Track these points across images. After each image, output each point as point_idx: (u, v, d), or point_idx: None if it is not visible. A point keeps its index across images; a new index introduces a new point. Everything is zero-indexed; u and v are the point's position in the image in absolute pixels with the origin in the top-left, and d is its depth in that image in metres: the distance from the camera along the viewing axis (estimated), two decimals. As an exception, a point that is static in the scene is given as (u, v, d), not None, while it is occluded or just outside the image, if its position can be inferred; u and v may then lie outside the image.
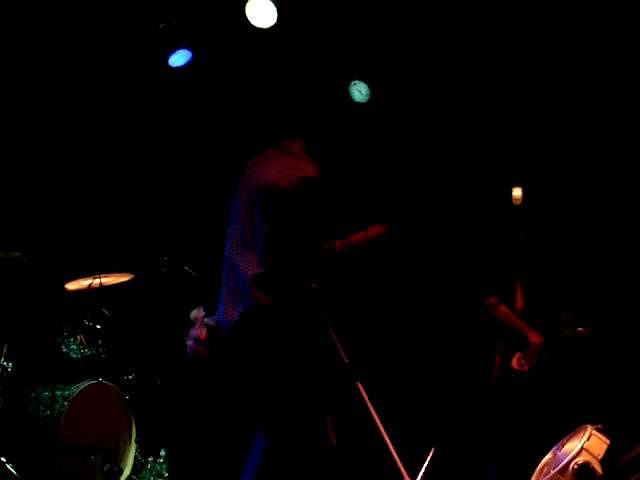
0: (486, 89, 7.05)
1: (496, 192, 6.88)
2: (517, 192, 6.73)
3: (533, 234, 6.57)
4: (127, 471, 5.68)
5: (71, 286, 6.20)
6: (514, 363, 6.32)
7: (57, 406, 5.43)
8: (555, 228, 6.87)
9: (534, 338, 6.28)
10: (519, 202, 6.79)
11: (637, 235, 6.76)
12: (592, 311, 6.58)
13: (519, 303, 6.42)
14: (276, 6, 6.66)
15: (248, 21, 6.74)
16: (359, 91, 7.37)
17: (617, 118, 6.78)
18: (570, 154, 6.94)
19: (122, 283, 6.29)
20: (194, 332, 4.59)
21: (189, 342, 4.61)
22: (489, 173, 7.07)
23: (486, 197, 7.01)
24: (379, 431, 4.43)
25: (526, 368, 6.29)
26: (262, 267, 4.37)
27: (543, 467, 5.30)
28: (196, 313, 4.64)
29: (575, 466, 4.96)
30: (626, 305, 6.65)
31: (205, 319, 4.61)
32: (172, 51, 6.93)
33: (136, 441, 5.78)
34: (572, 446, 5.13)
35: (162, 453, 6.04)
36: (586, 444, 5.04)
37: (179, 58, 7.03)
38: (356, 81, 7.30)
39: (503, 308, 6.33)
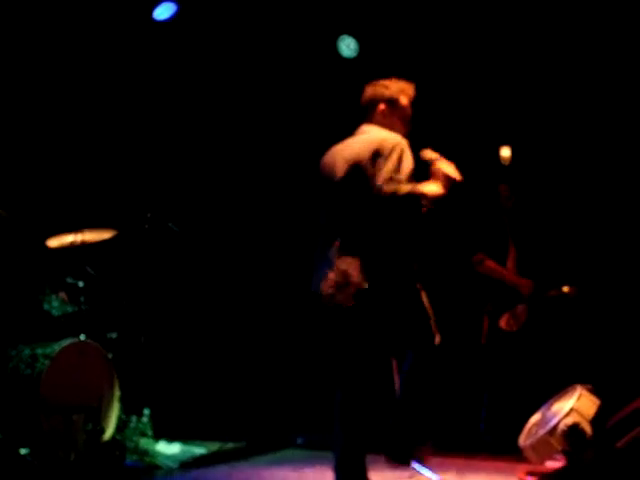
0: (475, 47, 6.96)
1: (484, 151, 6.81)
2: (505, 152, 6.64)
3: (522, 194, 6.51)
4: (110, 430, 5.59)
5: (53, 242, 6.08)
6: (502, 323, 6.30)
7: (38, 364, 5.34)
8: (544, 189, 6.83)
9: (524, 286, 6.24)
10: (507, 162, 6.71)
11: (624, 197, 6.71)
12: (578, 270, 6.57)
13: (510, 264, 6.37)
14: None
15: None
16: (347, 46, 7.26)
17: (604, 80, 6.72)
18: (558, 113, 6.88)
19: (105, 240, 6.15)
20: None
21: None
22: (477, 132, 6.99)
23: (474, 156, 6.92)
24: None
25: (514, 328, 6.27)
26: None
27: (532, 427, 5.28)
28: None
29: (564, 427, 4.95)
30: (612, 264, 6.61)
31: None
32: (157, 4, 6.83)
33: (119, 400, 5.68)
34: (561, 406, 5.12)
35: (146, 412, 5.98)
36: (575, 404, 5.04)
37: (164, 11, 6.94)
38: (344, 36, 7.19)
39: (490, 263, 6.29)
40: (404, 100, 4.63)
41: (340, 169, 4.44)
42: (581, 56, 6.75)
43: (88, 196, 6.83)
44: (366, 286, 4.29)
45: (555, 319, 6.32)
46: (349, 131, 4.64)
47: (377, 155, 4.33)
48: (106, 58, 6.96)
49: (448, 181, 4.43)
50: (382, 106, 4.60)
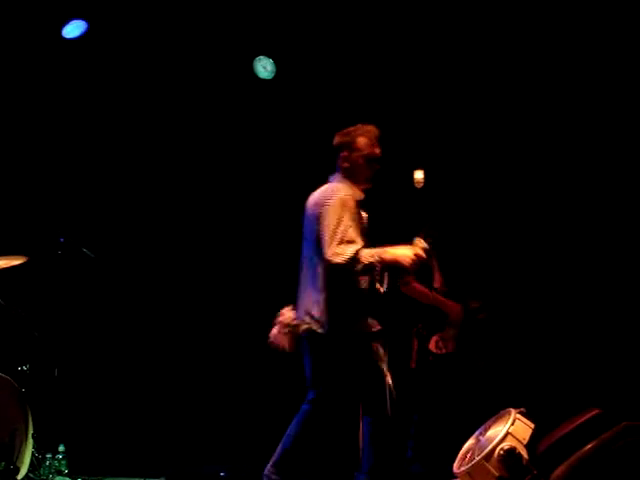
0: (390, 68, 6.96)
1: (398, 175, 6.80)
2: (419, 174, 6.64)
3: (439, 216, 6.48)
4: (24, 469, 5.30)
5: (-42, 270, 5.75)
6: (432, 345, 6.23)
7: (-54, 400, 5.03)
8: (460, 209, 6.83)
9: (453, 309, 6.18)
10: (421, 185, 6.72)
11: (538, 217, 6.77)
12: (505, 289, 6.57)
13: (437, 282, 6.30)
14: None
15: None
16: (264, 67, 7.17)
17: (508, 96, 6.81)
18: (471, 136, 6.92)
19: (14, 266, 5.85)
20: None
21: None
22: (391, 156, 6.97)
23: (389, 180, 6.90)
24: None
25: (444, 351, 6.20)
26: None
27: (466, 453, 5.16)
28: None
29: (501, 452, 4.85)
30: (541, 283, 6.64)
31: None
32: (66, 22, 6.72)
33: (33, 436, 5.40)
34: (496, 431, 5.01)
35: (61, 448, 5.77)
36: (511, 428, 4.94)
37: (74, 29, 6.72)
38: (261, 57, 7.10)
39: (417, 285, 6.21)
40: (362, 142, 4.92)
41: (309, 215, 4.86)
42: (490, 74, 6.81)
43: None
44: (319, 330, 4.73)
45: (485, 341, 6.27)
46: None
47: (320, 216, 4.73)
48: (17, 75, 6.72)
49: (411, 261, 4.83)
50: (344, 153, 4.93)
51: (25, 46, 6.74)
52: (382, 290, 5.00)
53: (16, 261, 5.86)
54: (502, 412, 5.17)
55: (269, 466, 4.80)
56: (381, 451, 4.89)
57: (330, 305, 4.75)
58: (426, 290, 6.22)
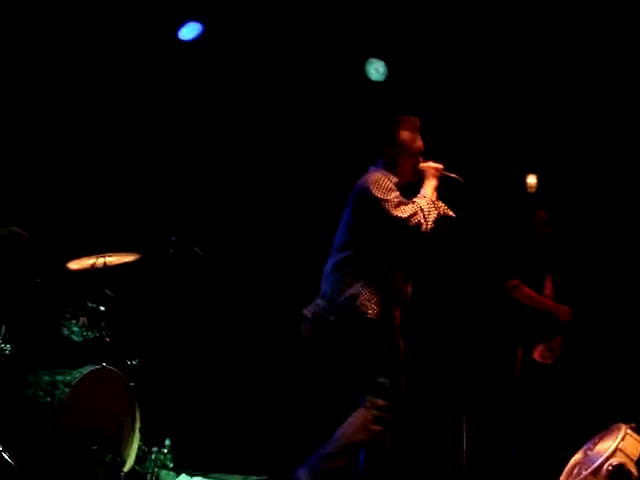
0: (503, 74, 6.84)
1: (511, 179, 6.70)
2: (532, 179, 6.55)
3: (556, 221, 6.34)
4: (130, 462, 5.41)
5: (74, 265, 5.92)
6: (536, 355, 6.08)
7: (57, 392, 5.15)
8: (579, 215, 6.68)
9: (562, 312, 6.02)
10: (534, 189, 6.62)
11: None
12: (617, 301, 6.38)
13: (547, 289, 6.16)
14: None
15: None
16: (376, 70, 7.15)
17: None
18: (584, 142, 6.75)
19: (127, 263, 6.00)
20: None
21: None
22: (503, 160, 6.87)
23: (501, 185, 6.81)
24: None
25: (549, 361, 6.05)
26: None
27: (573, 467, 5.06)
28: None
29: (610, 467, 4.74)
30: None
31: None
32: (182, 24, 6.78)
33: (140, 430, 5.49)
34: (605, 446, 4.90)
35: (167, 443, 5.79)
36: (621, 444, 4.82)
37: (189, 31, 6.81)
38: (372, 59, 7.08)
39: (526, 289, 6.07)
40: (405, 136, 4.81)
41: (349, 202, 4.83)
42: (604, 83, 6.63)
43: (111, 218, 6.68)
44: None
45: (594, 352, 6.11)
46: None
47: (359, 197, 4.71)
48: (135, 74, 6.84)
49: (437, 172, 4.78)
50: (385, 150, 4.86)
51: (138, 47, 6.85)
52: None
53: (129, 258, 6.00)
54: (612, 427, 5.05)
55: None
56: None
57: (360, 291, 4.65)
58: (535, 294, 6.08)
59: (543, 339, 6.08)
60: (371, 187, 4.65)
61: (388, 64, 7.10)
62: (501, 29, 6.72)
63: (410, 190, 4.85)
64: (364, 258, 4.68)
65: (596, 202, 6.77)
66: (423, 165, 4.81)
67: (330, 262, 4.80)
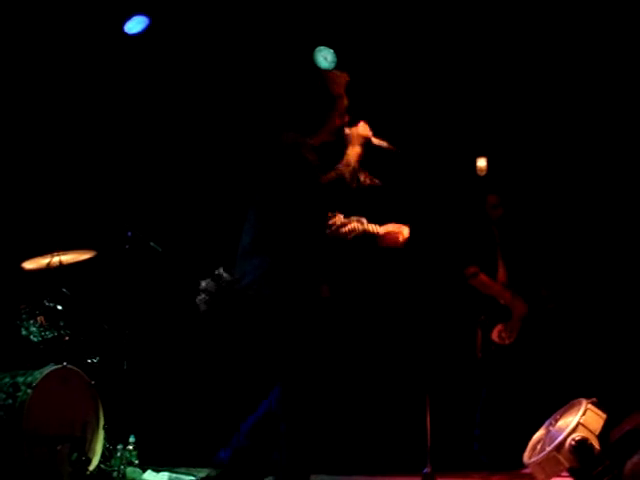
0: (453, 57, 6.88)
1: (460, 163, 6.74)
2: (482, 162, 6.58)
3: (507, 206, 6.39)
4: (95, 460, 5.38)
5: (29, 265, 5.86)
6: (494, 336, 6.16)
7: (19, 394, 5.10)
8: (526, 198, 6.74)
9: (518, 306, 6.11)
10: (484, 173, 6.65)
11: (608, 210, 6.64)
12: (571, 279, 6.46)
13: (501, 275, 6.23)
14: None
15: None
16: (325, 58, 7.14)
17: (575, 90, 6.68)
18: (538, 124, 6.81)
19: (83, 261, 5.94)
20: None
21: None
22: (452, 144, 6.91)
23: (451, 168, 6.85)
24: None
25: (507, 341, 6.12)
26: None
27: (536, 443, 5.12)
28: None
29: (572, 442, 4.79)
30: (609, 271, 6.51)
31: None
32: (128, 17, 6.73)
33: (104, 428, 5.47)
34: (567, 421, 4.96)
35: (131, 439, 5.77)
36: (582, 419, 4.89)
37: (135, 25, 6.77)
38: (321, 47, 7.08)
39: (484, 277, 6.16)
40: (335, 92, 4.44)
41: None
42: (553, 65, 6.70)
43: (65, 215, 6.62)
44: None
45: (551, 330, 6.19)
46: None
47: None
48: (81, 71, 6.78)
49: (364, 141, 4.40)
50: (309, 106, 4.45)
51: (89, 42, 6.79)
52: None
53: (85, 255, 5.95)
54: (573, 402, 5.12)
55: None
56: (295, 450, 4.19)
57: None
58: (492, 282, 6.15)
59: (501, 320, 6.15)
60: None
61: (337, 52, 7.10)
62: (450, 10, 6.75)
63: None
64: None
65: (547, 183, 6.83)
66: (349, 130, 4.44)
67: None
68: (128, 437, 5.75)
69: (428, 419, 5.11)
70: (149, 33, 6.87)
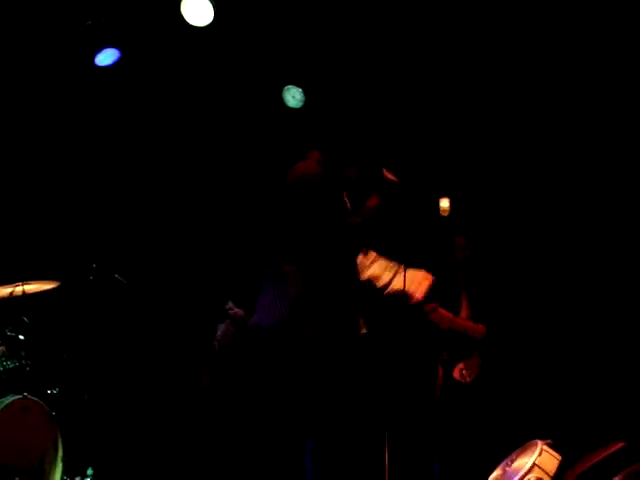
0: (416, 98, 6.98)
1: (424, 203, 6.79)
2: (445, 203, 6.63)
3: (471, 246, 6.47)
4: (53, 492, 5.36)
5: (-9, 293, 5.82)
6: (455, 373, 6.19)
7: (-22, 423, 5.08)
8: (489, 240, 6.82)
9: (478, 333, 6.14)
10: (447, 213, 6.70)
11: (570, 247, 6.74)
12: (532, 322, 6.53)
13: (463, 313, 6.29)
14: (213, 4, 6.49)
15: (182, 19, 6.57)
16: (293, 97, 7.23)
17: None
18: (497, 161, 6.90)
19: (46, 291, 5.92)
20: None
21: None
22: (416, 184, 6.97)
23: (414, 208, 6.91)
24: None
25: (468, 380, 6.16)
26: None
27: (493, 483, 5.17)
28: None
29: (527, 483, 4.85)
30: (568, 315, 6.60)
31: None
32: (99, 50, 6.71)
33: (62, 459, 5.44)
34: (523, 462, 5.03)
35: (89, 472, 5.78)
36: (537, 460, 4.96)
37: (106, 57, 6.81)
38: (290, 86, 7.16)
39: (443, 312, 6.18)
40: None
41: None
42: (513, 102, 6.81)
43: (29, 245, 6.59)
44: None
45: (510, 371, 6.24)
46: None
47: None
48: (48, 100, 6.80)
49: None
50: None
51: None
52: None
53: (48, 285, 5.94)
54: (529, 443, 5.18)
55: None
56: None
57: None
58: (451, 315, 6.20)
59: (462, 358, 6.20)
60: None
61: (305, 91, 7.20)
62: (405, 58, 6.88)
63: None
64: None
65: (511, 222, 6.91)
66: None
67: None
68: (86, 470, 5.74)
69: (387, 458, 5.14)
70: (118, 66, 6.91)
